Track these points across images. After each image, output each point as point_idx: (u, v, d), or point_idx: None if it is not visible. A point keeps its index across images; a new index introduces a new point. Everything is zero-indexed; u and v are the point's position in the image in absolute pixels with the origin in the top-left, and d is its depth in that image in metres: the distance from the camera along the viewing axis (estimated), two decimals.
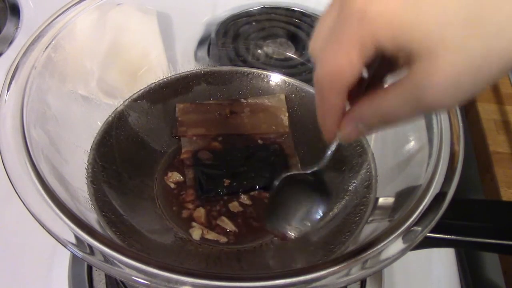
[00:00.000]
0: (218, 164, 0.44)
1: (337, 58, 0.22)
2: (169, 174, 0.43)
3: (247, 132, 0.47)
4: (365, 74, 0.25)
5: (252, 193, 0.43)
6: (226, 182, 0.42)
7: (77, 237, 0.27)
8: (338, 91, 0.24)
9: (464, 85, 0.20)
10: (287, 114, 0.48)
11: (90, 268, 0.45)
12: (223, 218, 0.40)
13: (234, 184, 0.42)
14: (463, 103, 0.22)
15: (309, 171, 0.34)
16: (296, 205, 0.36)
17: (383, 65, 0.25)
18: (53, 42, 0.38)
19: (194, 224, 0.40)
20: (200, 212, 0.41)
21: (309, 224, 0.35)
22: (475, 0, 0.19)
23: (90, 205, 0.36)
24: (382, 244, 0.28)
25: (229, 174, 0.43)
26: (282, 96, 0.49)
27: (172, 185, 0.43)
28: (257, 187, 0.43)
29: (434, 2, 0.20)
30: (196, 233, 0.39)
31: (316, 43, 0.24)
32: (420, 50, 0.20)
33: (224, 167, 0.44)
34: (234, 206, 0.41)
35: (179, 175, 0.43)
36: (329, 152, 0.32)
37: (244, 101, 0.49)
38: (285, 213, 0.36)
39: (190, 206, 0.41)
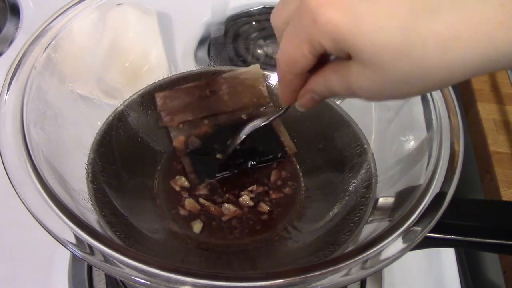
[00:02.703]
0: (210, 147, 0.44)
1: (292, 49, 0.26)
2: (177, 177, 0.43)
3: (230, 108, 0.47)
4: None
5: (252, 189, 0.43)
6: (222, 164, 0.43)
7: (77, 237, 0.27)
8: (293, 73, 0.28)
9: (383, 94, 0.24)
10: (265, 85, 0.49)
11: (90, 268, 0.46)
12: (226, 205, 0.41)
13: (230, 163, 0.43)
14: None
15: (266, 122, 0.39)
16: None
17: None
18: (53, 42, 0.38)
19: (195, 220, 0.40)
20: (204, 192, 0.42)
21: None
22: (409, 30, 0.21)
23: (90, 205, 0.36)
24: (382, 244, 0.28)
25: (224, 156, 0.44)
26: (257, 66, 0.49)
27: (178, 188, 0.43)
28: (253, 162, 0.44)
29: (374, 21, 0.22)
30: (197, 226, 0.39)
31: (278, 20, 0.28)
32: (354, 57, 0.23)
33: (216, 150, 0.44)
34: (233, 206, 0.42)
35: (186, 180, 0.43)
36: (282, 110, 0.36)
37: (220, 78, 0.49)
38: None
39: (191, 202, 0.41)
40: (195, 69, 0.50)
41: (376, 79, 0.23)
